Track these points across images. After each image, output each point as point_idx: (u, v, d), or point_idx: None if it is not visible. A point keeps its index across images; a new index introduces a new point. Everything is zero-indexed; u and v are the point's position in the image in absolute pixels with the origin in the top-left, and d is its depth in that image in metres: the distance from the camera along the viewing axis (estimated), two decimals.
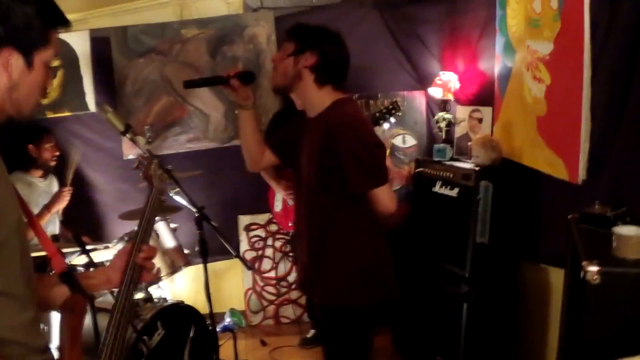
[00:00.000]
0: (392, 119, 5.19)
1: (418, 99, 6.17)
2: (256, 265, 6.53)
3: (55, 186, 5.69)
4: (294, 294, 6.59)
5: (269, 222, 6.51)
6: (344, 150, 3.19)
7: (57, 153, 5.60)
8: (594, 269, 2.38)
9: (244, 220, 6.54)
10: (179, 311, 4.92)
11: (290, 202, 5.42)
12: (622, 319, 2.41)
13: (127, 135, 4.33)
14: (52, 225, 5.56)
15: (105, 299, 4.91)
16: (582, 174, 3.70)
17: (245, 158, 3.80)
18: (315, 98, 3.38)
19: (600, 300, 2.40)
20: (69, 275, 2.20)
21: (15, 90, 1.95)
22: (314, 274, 3.48)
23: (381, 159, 3.32)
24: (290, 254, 6.50)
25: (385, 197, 3.26)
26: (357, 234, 3.36)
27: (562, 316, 3.30)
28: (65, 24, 2.05)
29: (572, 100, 3.68)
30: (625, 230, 2.54)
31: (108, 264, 4.32)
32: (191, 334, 4.87)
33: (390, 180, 3.37)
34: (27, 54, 1.93)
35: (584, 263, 2.41)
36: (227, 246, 4.41)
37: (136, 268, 2.29)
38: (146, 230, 2.43)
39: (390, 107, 5.16)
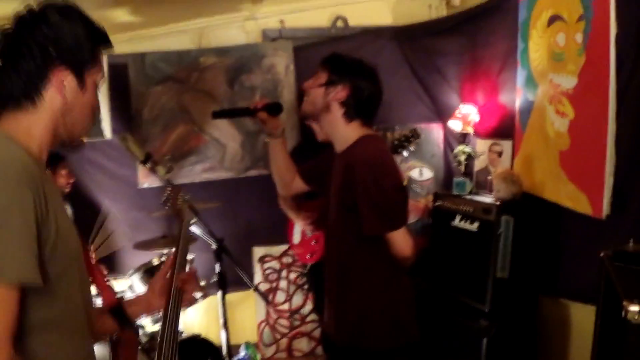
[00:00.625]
0: (412, 147, 5.15)
1: (435, 132, 6.15)
2: (270, 297, 6.46)
3: (69, 213, 5.65)
4: (308, 327, 6.52)
5: (284, 254, 6.45)
6: (360, 191, 3.13)
7: (72, 180, 5.57)
8: (635, 308, 2.33)
9: (258, 251, 6.49)
10: (196, 344, 4.90)
11: (309, 234, 5.37)
12: None
13: (147, 164, 4.33)
14: None
15: None
16: (606, 209, 3.65)
17: (277, 183, 3.85)
18: (342, 132, 3.32)
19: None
20: (120, 310, 2.30)
21: (70, 113, 1.94)
22: (334, 312, 3.43)
23: (399, 202, 3.23)
24: (305, 287, 6.44)
25: (400, 241, 3.16)
26: (376, 273, 3.30)
27: (593, 355, 3.24)
28: (109, 43, 2.06)
29: (597, 135, 3.64)
30: None
31: (124, 294, 4.31)
32: None
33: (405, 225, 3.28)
34: (80, 74, 1.93)
35: (625, 302, 2.36)
36: (244, 278, 4.37)
37: (178, 292, 2.38)
38: (183, 258, 2.59)
39: (410, 134, 5.12)
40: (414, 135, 5.13)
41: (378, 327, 3.28)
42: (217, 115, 3.67)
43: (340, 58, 3.38)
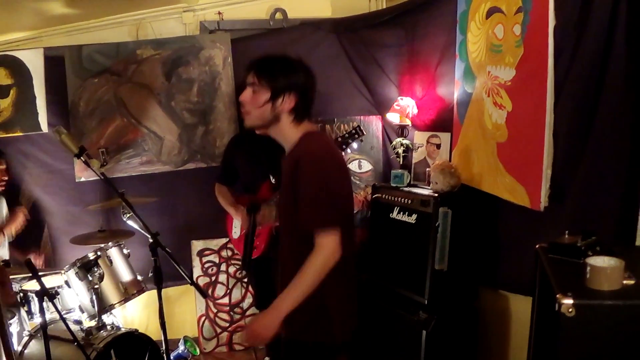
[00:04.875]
0: (355, 144, 5.16)
1: (375, 124, 6.14)
2: (209, 291, 6.41)
3: (4, 207, 5.54)
4: (248, 321, 6.48)
5: (223, 247, 6.40)
6: (301, 185, 3.10)
7: (6, 178, 5.47)
8: (569, 302, 2.33)
9: (197, 245, 6.42)
10: (133, 340, 4.86)
11: None
12: (597, 351, 2.38)
13: (81, 158, 4.26)
14: (2, 249, 5.39)
15: (57, 326, 4.82)
16: (544, 201, 3.69)
17: None
18: (291, 134, 3.27)
19: (574, 332, 2.35)
20: None
21: None
22: None
23: (336, 201, 3.18)
24: (245, 280, 6.40)
25: (333, 245, 3.08)
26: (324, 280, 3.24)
27: (530, 347, 3.26)
28: None
29: (535, 127, 3.67)
30: (599, 261, 2.50)
31: (61, 289, 4.22)
32: None
33: (337, 232, 3.22)
34: None
35: (558, 296, 2.36)
36: (182, 273, 4.31)
37: None
38: None
39: (353, 131, 5.13)
40: (358, 133, 5.14)
41: (303, 321, 3.23)
42: (246, 266, 3.96)
43: (272, 63, 3.29)
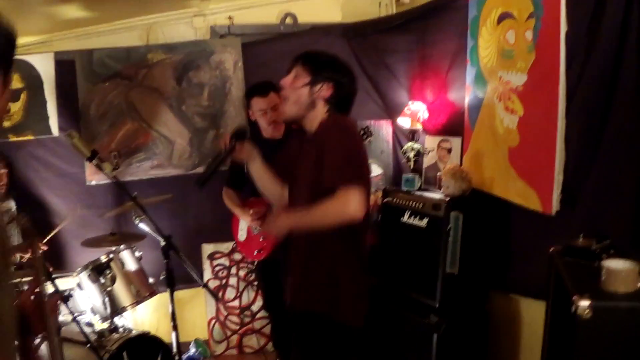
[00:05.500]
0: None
1: (385, 128, 6.16)
2: (220, 294, 6.42)
3: (12, 205, 5.55)
4: (258, 324, 6.49)
5: (233, 250, 6.42)
6: (329, 150, 3.18)
7: (3, 182, 5.47)
8: (585, 303, 2.36)
9: (207, 248, 6.45)
10: (145, 342, 4.87)
11: (256, 231, 5.32)
12: (613, 352, 2.40)
13: (94, 161, 4.29)
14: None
15: (70, 328, 4.84)
16: (555, 206, 3.70)
17: (270, 200, 3.83)
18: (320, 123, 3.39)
19: (591, 334, 2.38)
20: None
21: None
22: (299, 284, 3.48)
23: (359, 162, 3.28)
24: (254, 283, 6.41)
25: (355, 200, 3.12)
26: (338, 259, 3.31)
27: (544, 350, 3.28)
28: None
29: (546, 132, 3.69)
30: (614, 263, 2.53)
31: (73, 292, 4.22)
32: None
33: (364, 190, 3.29)
34: (6, 76, 1.86)
35: (574, 297, 2.39)
36: (194, 276, 4.34)
37: None
38: None
39: (362, 132, 5.14)
40: (366, 133, 5.16)
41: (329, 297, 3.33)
42: (202, 181, 3.49)
43: (319, 56, 3.45)
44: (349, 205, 3.12)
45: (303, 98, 3.32)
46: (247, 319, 6.49)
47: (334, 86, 3.31)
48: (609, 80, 3.54)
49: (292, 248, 3.53)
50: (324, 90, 3.31)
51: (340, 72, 3.38)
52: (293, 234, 3.47)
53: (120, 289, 4.99)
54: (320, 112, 3.34)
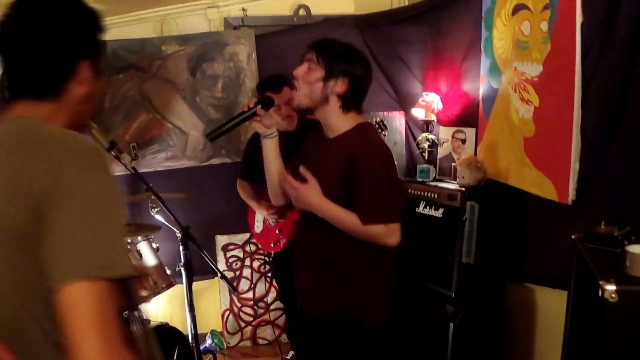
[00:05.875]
0: None
1: (398, 120, 6.17)
2: (234, 285, 6.44)
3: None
4: (272, 315, 6.54)
5: (247, 242, 6.46)
6: (364, 180, 3.17)
7: None
8: (612, 287, 2.39)
9: (221, 240, 6.48)
10: (164, 332, 4.87)
11: (272, 223, 5.35)
12: (639, 337, 2.43)
13: (112, 152, 4.31)
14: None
15: None
16: (571, 195, 3.71)
17: (271, 190, 3.72)
18: (337, 121, 3.34)
19: (617, 318, 2.41)
20: None
21: (87, 102, 1.95)
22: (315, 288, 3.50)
23: (400, 196, 3.33)
24: (269, 275, 6.45)
25: (398, 234, 3.26)
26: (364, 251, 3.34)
27: (565, 336, 3.30)
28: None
29: (562, 122, 3.69)
30: (638, 249, 2.56)
31: None
32: (175, 356, 4.81)
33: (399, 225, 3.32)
34: (97, 64, 1.92)
35: (601, 282, 2.43)
36: (213, 266, 4.38)
37: None
38: None
39: (376, 126, 5.15)
40: (381, 127, 5.17)
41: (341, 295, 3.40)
42: (214, 137, 3.33)
43: (335, 48, 3.35)
44: (392, 239, 3.26)
45: (316, 93, 3.26)
46: (260, 311, 6.53)
47: (348, 81, 3.24)
48: (624, 70, 3.56)
49: (309, 249, 3.54)
50: (339, 85, 3.24)
51: (355, 64, 3.30)
52: (312, 230, 3.48)
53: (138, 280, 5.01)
54: (333, 107, 3.29)
